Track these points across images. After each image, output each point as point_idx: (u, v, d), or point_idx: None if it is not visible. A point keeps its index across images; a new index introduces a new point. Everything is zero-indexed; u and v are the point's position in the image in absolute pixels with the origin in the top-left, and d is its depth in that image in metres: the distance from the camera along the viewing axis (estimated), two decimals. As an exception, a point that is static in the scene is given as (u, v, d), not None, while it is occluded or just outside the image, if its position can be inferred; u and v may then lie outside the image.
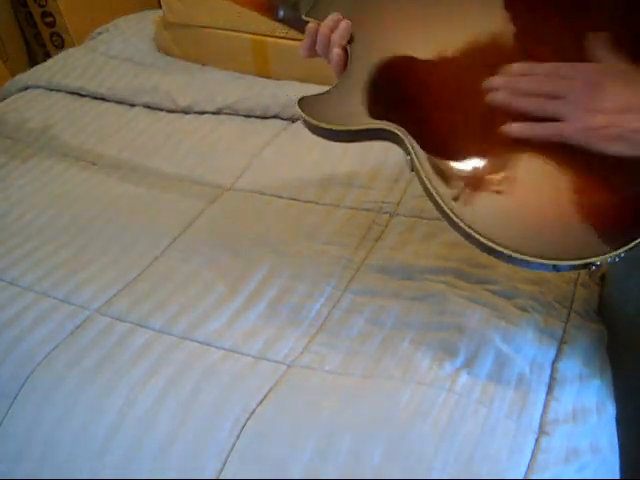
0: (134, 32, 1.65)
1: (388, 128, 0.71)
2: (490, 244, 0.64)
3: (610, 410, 0.78)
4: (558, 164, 0.66)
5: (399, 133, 0.70)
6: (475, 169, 0.68)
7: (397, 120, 0.71)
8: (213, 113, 1.33)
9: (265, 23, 1.37)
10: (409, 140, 0.70)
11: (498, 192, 0.66)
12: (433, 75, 0.74)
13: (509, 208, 0.66)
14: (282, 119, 1.29)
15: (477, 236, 0.65)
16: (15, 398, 0.79)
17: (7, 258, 0.98)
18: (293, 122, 1.28)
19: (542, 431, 0.71)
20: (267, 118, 1.30)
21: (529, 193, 0.66)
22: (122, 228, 1.02)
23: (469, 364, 0.77)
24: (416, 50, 0.75)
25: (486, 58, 0.72)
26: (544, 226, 0.65)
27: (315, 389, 0.76)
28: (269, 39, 1.38)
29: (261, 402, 0.74)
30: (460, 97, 0.72)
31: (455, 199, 0.66)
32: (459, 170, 0.68)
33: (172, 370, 0.78)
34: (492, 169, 0.68)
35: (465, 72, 0.73)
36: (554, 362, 0.79)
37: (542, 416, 0.73)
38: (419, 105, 0.73)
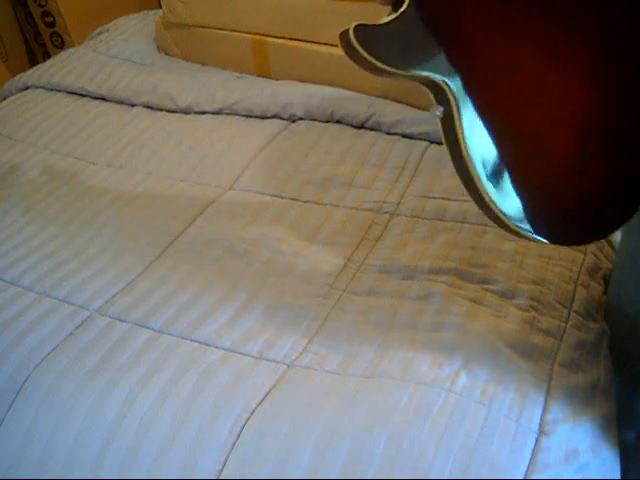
0: (134, 32, 1.65)
1: (441, 85, 0.67)
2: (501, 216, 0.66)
3: (610, 410, 0.78)
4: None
5: (449, 94, 0.67)
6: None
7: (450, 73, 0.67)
8: (213, 113, 1.33)
9: (265, 23, 1.37)
10: (456, 102, 0.67)
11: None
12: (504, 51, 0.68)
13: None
14: (282, 119, 1.29)
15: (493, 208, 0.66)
16: (15, 398, 0.79)
17: (7, 258, 0.98)
18: (293, 122, 1.29)
19: (542, 431, 0.71)
20: (267, 118, 1.30)
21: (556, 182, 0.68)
22: (122, 228, 1.02)
23: (469, 364, 0.77)
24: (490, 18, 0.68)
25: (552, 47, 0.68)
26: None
27: (315, 389, 0.76)
28: (269, 39, 1.37)
29: (261, 402, 0.74)
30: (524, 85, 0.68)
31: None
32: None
33: (172, 370, 0.78)
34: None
35: (534, 59, 0.68)
36: (554, 362, 0.79)
37: (542, 416, 0.73)
38: (480, 73, 0.68)
